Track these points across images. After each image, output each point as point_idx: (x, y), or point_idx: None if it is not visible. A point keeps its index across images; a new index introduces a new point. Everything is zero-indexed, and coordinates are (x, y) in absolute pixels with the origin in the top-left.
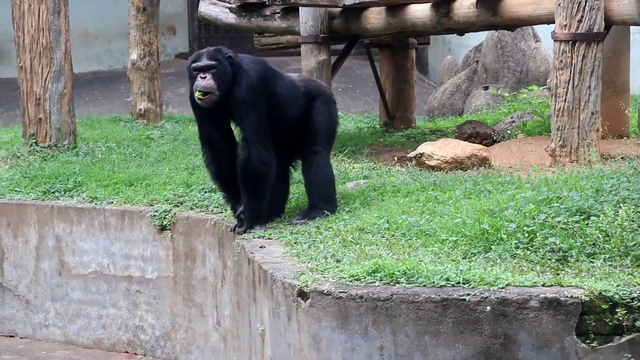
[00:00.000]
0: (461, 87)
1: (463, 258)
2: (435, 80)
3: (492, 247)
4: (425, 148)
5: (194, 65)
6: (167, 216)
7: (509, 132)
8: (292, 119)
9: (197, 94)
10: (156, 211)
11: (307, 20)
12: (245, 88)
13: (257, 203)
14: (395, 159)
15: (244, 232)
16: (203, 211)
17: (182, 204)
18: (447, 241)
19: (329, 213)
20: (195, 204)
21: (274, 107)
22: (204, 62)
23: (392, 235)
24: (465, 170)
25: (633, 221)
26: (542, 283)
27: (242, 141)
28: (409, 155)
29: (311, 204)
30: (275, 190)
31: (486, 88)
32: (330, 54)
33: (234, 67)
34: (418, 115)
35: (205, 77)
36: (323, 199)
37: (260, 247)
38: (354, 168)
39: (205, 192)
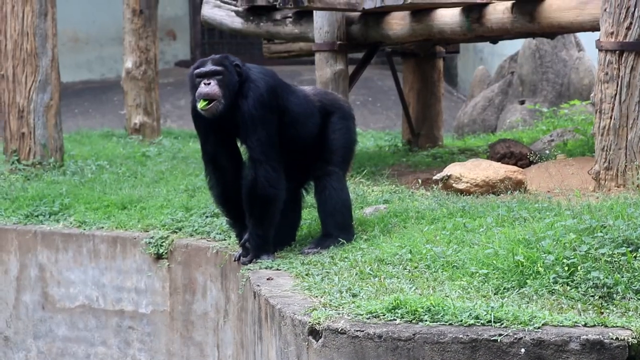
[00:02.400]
0: (494, 101)
1: (495, 294)
2: (465, 94)
3: (528, 281)
4: (453, 169)
5: (197, 71)
6: (164, 243)
7: (547, 152)
8: (305, 137)
9: (199, 103)
10: (152, 238)
11: (322, 25)
12: (252, 101)
13: (264, 230)
14: (420, 181)
15: (250, 262)
16: (204, 238)
17: (181, 230)
18: (477, 274)
19: (344, 241)
20: (196, 230)
21: (285, 125)
22: (209, 67)
23: (415, 267)
24: (498, 195)
25: None
26: (583, 323)
27: (248, 161)
28: (434, 178)
29: (325, 231)
30: (285, 216)
31: (522, 102)
32: (347, 64)
33: (241, 77)
34: (446, 133)
35: (209, 84)
36: (338, 226)
37: (268, 279)
38: (373, 191)
39: (207, 216)
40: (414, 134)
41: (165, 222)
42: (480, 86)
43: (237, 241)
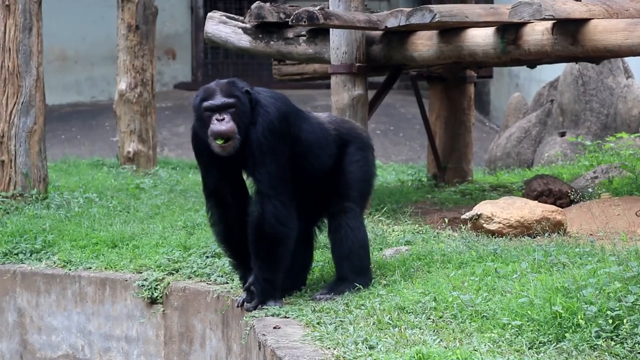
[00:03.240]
0: (531, 132)
1: (529, 348)
2: (499, 124)
3: (567, 335)
4: (484, 208)
5: (205, 104)
6: (158, 286)
7: (590, 190)
8: (319, 169)
9: (216, 142)
10: (145, 280)
11: (339, 45)
12: (262, 129)
13: (272, 273)
14: (446, 220)
15: (254, 308)
16: (204, 281)
17: (177, 271)
18: (509, 326)
19: (361, 287)
20: (195, 271)
21: (296, 156)
22: (220, 100)
23: (440, 317)
24: (534, 237)
25: None
26: None
27: (255, 195)
28: (463, 217)
29: (339, 275)
30: (295, 257)
31: (563, 134)
32: (367, 88)
33: (251, 103)
34: (476, 167)
35: (223, 119)
36: (354, 270)
37: (274, 327)
38: (394, 231)
39: (208, 257)
40: (440, 168)
41: (161, 262)
42: (515, 115)
43: (240, 285)
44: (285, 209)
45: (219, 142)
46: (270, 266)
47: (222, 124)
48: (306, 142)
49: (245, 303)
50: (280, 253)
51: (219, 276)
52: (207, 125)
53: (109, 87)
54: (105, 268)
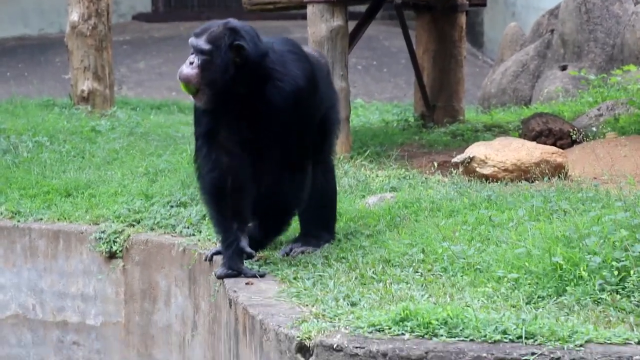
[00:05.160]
0: (529, 66)
1: (527, 303)
2: (493, 57)
3: (568, 288)
4: (477, 150)
5: (190, 40)
6: (118, 239)
7: (594, 129)
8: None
9: (182, 87)
10: (103, 232)
11: None
12: (287, 93)
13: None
14: (435, 164)
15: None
16: (168, 233)
17: (139, 222)
18: (505, 279)
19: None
20: (158, 223)
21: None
22: (197, 41)
23: (429, 270)
24: (533, 182)
25: None
26: (637, 340)
27: (271, 161)
28: (454, 160)
29: (315, 229)
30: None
31: (564, 68)
32: (347, 18)
33: (244, 60)
34: (468, 105)
35: (192, 63)
36: (328, 225)
37: (247, 283)
38: (377, 176)
39: (172, 206)
40: (428, 107)
41: (120, 212)
42: (511, 48)
43: (223, 248)
44: (300, 177)
45: (187, 90)
46: (280, 230)
47: (187, 67)
48: (321, 95)
49: (259, 269)
50: (289, 220)
51: (184, 228)
52: None
53: (59, 19)
54: (58, 219)
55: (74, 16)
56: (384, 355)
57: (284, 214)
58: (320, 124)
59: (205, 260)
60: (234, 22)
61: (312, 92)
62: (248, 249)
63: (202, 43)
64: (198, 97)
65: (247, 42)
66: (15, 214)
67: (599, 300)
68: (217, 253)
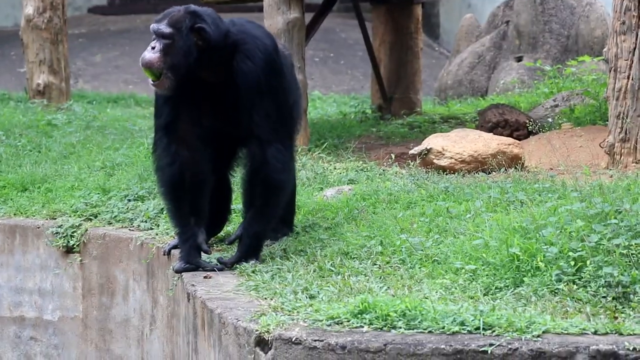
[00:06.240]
0: (485, 57)
1: (484, 294)
2: (450, 48)
3: (525, 279)
4: (434, 142)
5: (151, 26)
6: (75, 234)
7: (550, 120)
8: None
9: (146, 75)
10: (60, 227)
11: None
12: (258, 63)
13: (264, 224)
14: (393, 156)
15: (232, 264)
16: (126, 227)
17: (96, 216)
18: (463, 271)
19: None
20: (115, 217)
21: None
22: (159, 26)
23: (387, 263)
24: (489, 173)
25: None
26: (593, 330)
27: (253, 139)
28: (411, 152)
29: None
30: (217, 199)
31: (519, 59)
32: (304, 11)
33: (208, 43)
34: (425, 96)
35: (153, 48)
36: (283, 218)
37: (205, 277)
38: (335, 169)
39: (129, 200)
40: (385, 99)
41: (77, 207)
42: (467, 39)
43: (180, 242)
44: (287, 153)
45: (149, 76)
46: (264, 218)
47: (150, 52)
48: (289, 83)
49: (217, 261)
50: (278, 202)
51: (142, 221)
52: None
53: (14, 11)
54: (15, 214)
55: (29, 9)
56: (343, 347)
57: (274, 195)
58: None
59: (164, 254)
60: (194, 6)
61: (279, 63)
62: (204, 246)
63: (163, 27)
64: (161, 83)
65: (209, 25)
66: None
67: (556, 291)
68: (175, 247)
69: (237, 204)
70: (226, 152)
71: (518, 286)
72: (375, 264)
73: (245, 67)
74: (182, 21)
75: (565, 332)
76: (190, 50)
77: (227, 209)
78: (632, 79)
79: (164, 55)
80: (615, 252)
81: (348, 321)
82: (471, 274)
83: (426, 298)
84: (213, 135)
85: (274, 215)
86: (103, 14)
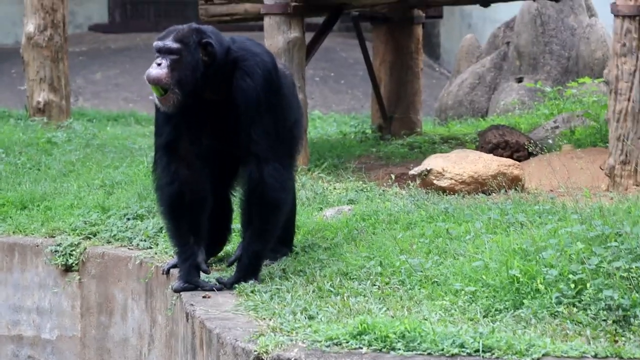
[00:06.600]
0: (485, 78)
1: (484, 316)
2: (450, 69)
3: (525, 301)
4: (434, 163)
5: (155, 43)
6: (74, 252)
7: (550, 141)
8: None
9: (153, 91)
10: (59, 245)
11: None
12: (256, 79)
13: (263, 244)
14: (393, 177)
15: (232, 285)
16: (125, 246)
17: (95, 235)
18: (462, 292)
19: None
20: (114, 235)
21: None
22: (165, 42)
23: (387, 284)
24: (489, 195)
25: None
26: (593, 353)
27: (251, 157)
28: (411, 173)
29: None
30: (217, 219)
31: (520, 80)
32: (304, 30)
33: (213, 58)
34: (425, 116)
35: (160, 64)
36: (282, 238)
37: (204, 297)
38: (335, 189)
39: (129, 219)
40: (385, 118)
41: (76, 225)
42: (468, 59)
43: (180, 262)
44: (286, 172)
45: (155, 92)
46: (262, 237)
47: (156, 68)
48: (289, 102)
49: (217, 282)
50: (277, 222)
51: (141, 240)
52: None
53: (15, 29)
54: (14, 232)
55: (30, 27)
56: None
57: (272, 214)
58: None
59: (163, 273)
60: (196, 24)
61: (279, 80)
62: (204, 265)
63: (170, 43)
64: (166, 99)
65: (214, 41)
66: None
67: (556, 313)
68: (174, 266)
69: (236, 223)
70: (227, 172)
71: (518, 308)
72: (374, 285)
73: (244, 84)
74: (189, 37)
75: (565, 355)
76: (197, 65)
77: (227, 229)
78: (633, 101)
79: (171, 70)
80: (615, 275)
81: (347, 342)
82: (471, 296)
83: (425, 319)
84: (213, 154)
85: (272, 235)
86: (104, 32)
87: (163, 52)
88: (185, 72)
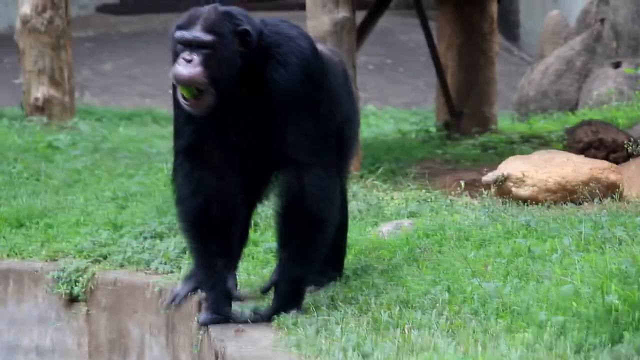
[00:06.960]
0: (575, 63)
1: (575, 352)
2: (532, 53)
3: (625, 334)
4: (512, 167)
5: (178, 34)
6: (80, 279)
7: None
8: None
9: (182, 93)
10: (62, 270)
11: None
12: (294, 71)
13: (305, 267)
14: (463, 184)
15: (270, 317)
16: (141, 270)
17: (106, 258)
18: (549, 324)
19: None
20: (129, 258)
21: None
22: (195, 33)
23: (457, 313)
24: (580, 204)
25: None
26: None
27: (288, 164)
28: (485, 179)
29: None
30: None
31: (617, 65)
32: (355, 8)
33: (250, 47)
34: (502, 111)
35: (191, 61)
36: (330, 259)
37: (237, 331)
38: (393, 199)
39: (145, 238)
40: (453, 114)
41: (83, 246)
42: (553, 41)
43: (206, 288)
44: (332, 180)
45: (185, 93)
46: (304, 258)
47: (186, 66)
48: (337, 97)
49: (252, 314)
50: (321, 240)
51: (161, 263)
52: None
53: (7, 11)
54: (8, 255)
55: (26, 8)
56: None
57: (316, 231)
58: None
59: (175, 302)
60: (222, 6)
61: (321, 69)
62: (235, 292)
63: (200, 34)
64: (201, 101)
65: (250, 27)
66: None
67: None
68: (195, 289)
69: (272, 241)
70: (259, 180)
71: (617, 343)
72: (441, 315)
73: (277, 77)
74: (221, 25)
75: None
76: (234, 59)
77: (243, 244)
78: None
79: (206, 68)
80: None
81: None
82: (558, 328)
83: (504, 357)
84: (244, 159)
85: (316, 256)
86: (114, 13)
87: (194, 45)
88: (222, 68)
